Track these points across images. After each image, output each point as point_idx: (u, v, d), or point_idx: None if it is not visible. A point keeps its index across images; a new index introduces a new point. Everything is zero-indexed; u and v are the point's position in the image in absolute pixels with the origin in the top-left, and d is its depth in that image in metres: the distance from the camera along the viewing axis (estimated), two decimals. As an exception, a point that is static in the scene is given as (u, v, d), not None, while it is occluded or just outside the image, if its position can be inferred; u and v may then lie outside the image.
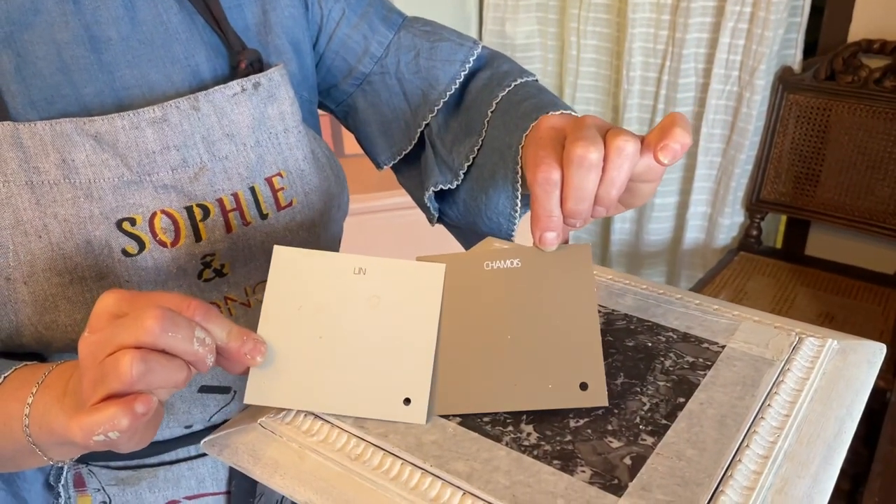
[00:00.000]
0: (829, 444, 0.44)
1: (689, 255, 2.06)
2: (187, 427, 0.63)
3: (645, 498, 0.40)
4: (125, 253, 0.56)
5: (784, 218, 2.00)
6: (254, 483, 0.67)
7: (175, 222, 0.57)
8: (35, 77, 0.54)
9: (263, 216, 0.62)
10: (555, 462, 0.42)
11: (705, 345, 0.51)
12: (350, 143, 1.85)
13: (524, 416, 0.46)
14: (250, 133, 0.61)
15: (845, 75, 1.71)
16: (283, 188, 0.63)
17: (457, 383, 0.47)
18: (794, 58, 1.78)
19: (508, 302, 0.48)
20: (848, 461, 1.68)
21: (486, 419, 0.46)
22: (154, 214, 0.56)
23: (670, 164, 0.46)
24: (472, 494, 0.41)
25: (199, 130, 0.58)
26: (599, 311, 0.55)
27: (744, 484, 0.41)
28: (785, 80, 1.78)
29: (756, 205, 1.90)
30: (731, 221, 1.96)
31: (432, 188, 0.69)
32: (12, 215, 0.52)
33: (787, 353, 0.50)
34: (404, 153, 0.74)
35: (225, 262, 0.61)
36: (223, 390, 0.62)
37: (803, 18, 1.75)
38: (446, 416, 0.46)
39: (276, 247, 0.49)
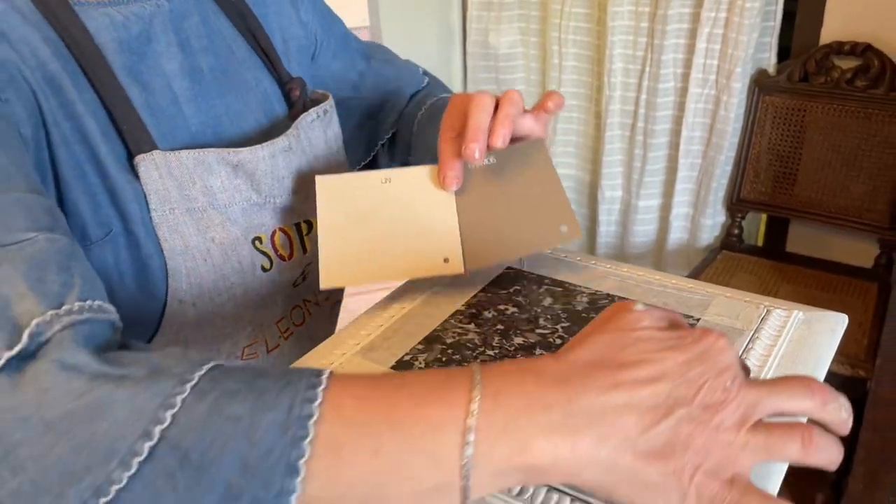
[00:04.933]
0: (794, 403, 0.48)
1: (673, 256, 2.11)
2: None
3: (627, 451, 0.44)
4: (262, 269, 0.60)
5: (764, 216, 2.05)
6: None
7: (289, 238, 0.63)
8: (158, 110, 0.56)
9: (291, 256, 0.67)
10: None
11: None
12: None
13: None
14: (324, 154, 0.66)
15: (818, 76, 1.77)
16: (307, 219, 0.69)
17: (476, 242, 0.59)
18: (769, 61, 1.84)
19: (492, 183, 0.61)
20: (832, 450, 1.72)
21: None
22: (274, 233, 0.61)
23: (551, 112, 0.62)
24: None
25: (312, 149, 0.64)
26: (583, 292, 0.60)
27: (717, 437, 0.45)
28: (760, 83, 1.84)
29: (737, 204, 1.95)
30: (713, 221, 2.01)
31: None
32: (181, 241, 0.55)
33: (756, 323, 0.54)
34: (361, 164, 0.82)
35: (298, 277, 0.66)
36: None
37: (776, 22, 1.81)
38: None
39: (317, 177, 0.60)
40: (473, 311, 0.58)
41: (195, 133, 0.58)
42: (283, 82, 0.66)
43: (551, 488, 0.40)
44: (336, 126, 0.68)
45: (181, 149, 0.55)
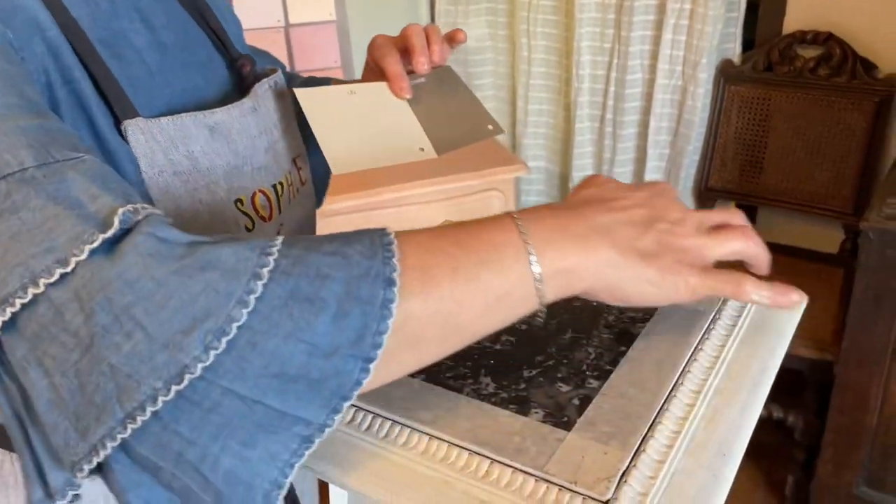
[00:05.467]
0: (754, 380, 0.49)
1: (644, 245, 2.12)
2: None
3: (591, 431, 0.44)
4: (246, 228, 0.61)
5: (732, 204, 2.08)
6: None
7: (268, 200, 0.63)
8: (135, 80, 0.57)
9: (302, 183, 0.70)
10: (511, 406, 0.47)
11: (644, 301, 0.56)
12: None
13: (483, 370, 0.50)
14: (279, 122, 0.67)
15: (782, 66, 1.80)
16: (301, 167, 0.70)
17: (435, 137, 0.68)
18: (734, 51, 1.87)
19: (429, 95, 0.69)
20: (801, 433, 1.75)
21: (448, 374, 0.50)
22: (254, 194, 0.62)
23: (459, 43, 0.74)
24: (437, 438, 0.45)
25: (271, 115, 0.65)
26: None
27: (678, 415, 0.46)
28: (726, 73, 1.86)
29: (705, 193, 1.97)
30: (683, 210, 2.03)
31: None
32: (172, 203, 0.56)
33: (717, 305, 0.55)
34: None
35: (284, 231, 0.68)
36: None
37: (740, 13, 1.83)
38: (412, 375, 0.50)
39: (296, 90, 0.64)
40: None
41: (170, 103, 0.59)
42: (234, 59, 0.68)
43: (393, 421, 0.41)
44: (287, 98, 0.69)
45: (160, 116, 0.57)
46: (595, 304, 0.56)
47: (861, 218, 1.41)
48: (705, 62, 1.81)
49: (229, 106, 0.60)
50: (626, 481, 0.41)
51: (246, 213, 0.62)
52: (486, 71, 2.24)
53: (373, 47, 0.71)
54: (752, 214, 2.02)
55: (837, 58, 1.71)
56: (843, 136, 1.75)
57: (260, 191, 0.63)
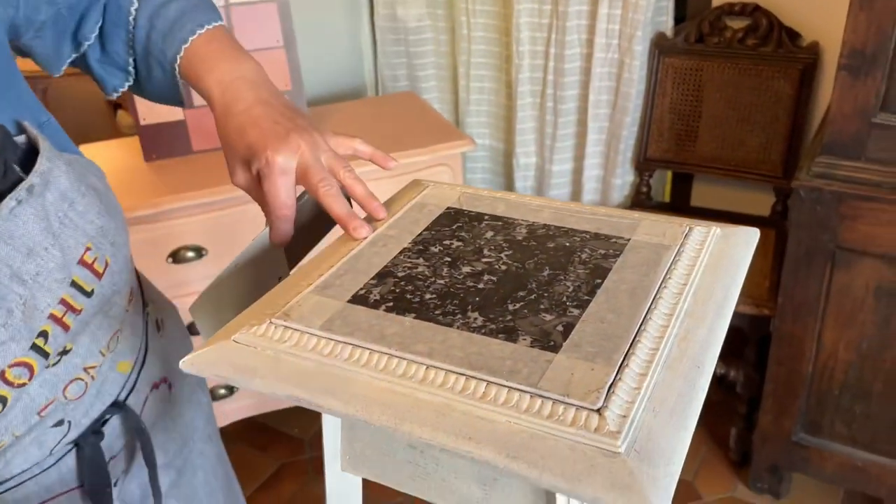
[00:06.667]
0: (719, 304, 0.54)
1: (587, 217, 2.19)
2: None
3: (577, 351, 0.48)
4: None
5: (669, 173, 2.16)
6: (107, 472, 0.67)
7: (27, 364, 0.55)
8: None
9: (89, 294, 0.60)
10: (500, 336, 0.50)
11: (613, 239, 0.60)
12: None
13: (469, 306, 0.53)
14: (46, 235, 0.56)
15: (712, 37, 1.87)
16: (95, 258, 0.61)
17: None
18: (667, 24, 1.94)
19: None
20: (743, 386, 1.84)
21: (437, 312, 0.53)
22: (3, 372, 0.53)
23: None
24: (434, 367, 0.48)
25: (6, 275, 0.53)
26: (521, 224, 0.63)
27: (655, 334, 0.49)
28: (660, 45, 1.93)
29: (644, 163, 2.04)
30: (623, 181, 2.10)
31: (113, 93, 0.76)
32: None
33: (681, 239, 0.59)
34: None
35: (68, 346, 0.59)
36: (60, 423, 0.63)
37: (672, -13, 1.90)
38: (402, 313, 0.53)
39: (194, 315, 0.61)
40: (420, 247, 0.61)
41: None
42: None
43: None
44: (62, 177, 0.58)
45: None
46: (567, 244, 0.60)
47: (790, 180, 1.49)
48: (640, 35, 1.87)
49: None
50: (613, 392, 0.44)
51: None
52: (427, 51, 2.26)
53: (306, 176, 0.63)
54: (688, 183, 2.10)
55: (764, 28, 1.80)
56: (771, 104, 1.84)
57: (12, 365, 0.53)
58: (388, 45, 2.26)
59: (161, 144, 1.75)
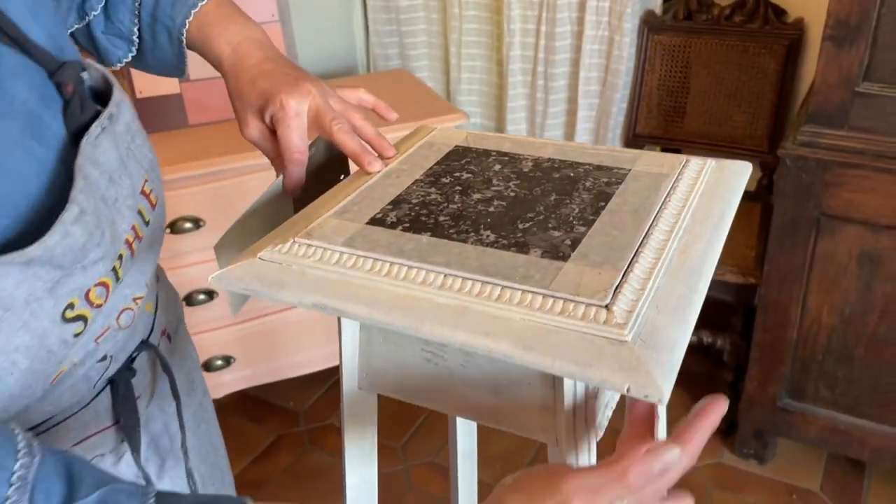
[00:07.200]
0: (715, 224, 0.57)
1: (577, 193, 2.22)
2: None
3: (585, 260, 0.51)
4: (75, 335, 0.55)
5: (658, 149, 2.20)
6: (136, 409, 0.69)
7: (106, 286, 0.57)
8: None
9: (147, 224, 0.63)
10: (512, 249, 0.53)
11: (615, 170, 0.63)
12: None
13: (482, 225, 0.56)
14: (119, 163, 0.59)
15: (700, 14, 1.91)
16: (151, 189, 0.63)
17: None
18: (656, 1, 1.97)
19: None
20: (730, 355, 1.88)
21: (451, 230, 0.56)
22: (88, 291, 0.55)
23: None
24: (451, 275, 0.51)
25: (99, 197, 0.55)
26: (527, 158, 0.67)
27: (656, 247, 0.53)
28: (649, 23, 1.96)
29: (633, 139, 2.08)
30: (613, 157, 2.13)
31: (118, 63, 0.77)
32: None
33: (679, 168, 0.63)
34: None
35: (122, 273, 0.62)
36: (103, 358, 0.65)
37: (660, -35, 1.94)
38: (418, 232, 0.56)
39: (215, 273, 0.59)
40: (432, 178, 0.64)
41: None
42: (51, 73, 0.55)
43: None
44: (127, 111, 0.61)
45: None
46: (572, 174, 0.63)
47: (776, 155, 1.53)
48: (629, 12, 1.91)
49: (45, 238, 0.50)
50: (620, 292, 0.48)
51: (78, 317, 0.54)
52: (419, 30, 2.29)
53: (320, 115, 0.66)
54: (676, 159, 2.14)
55: (750, 5, 1.84)
56: (756, 80, 1.88)
57: (96, 284, 0.56)
58: (380, 24, 2.28)
59: (157, 118, 1.77)
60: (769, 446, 1.80)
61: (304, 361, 1.94)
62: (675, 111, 2.01)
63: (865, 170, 1.43)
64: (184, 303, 1.65)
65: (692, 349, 2.16)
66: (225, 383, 1.88)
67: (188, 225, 1.68)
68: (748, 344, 1.74)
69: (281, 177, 0.68)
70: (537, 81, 2.13)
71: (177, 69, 0.78)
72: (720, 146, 1.98)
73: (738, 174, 0.64)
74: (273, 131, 0.68)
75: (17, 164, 0.51)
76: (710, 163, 0.64)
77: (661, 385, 0.42)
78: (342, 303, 0.51)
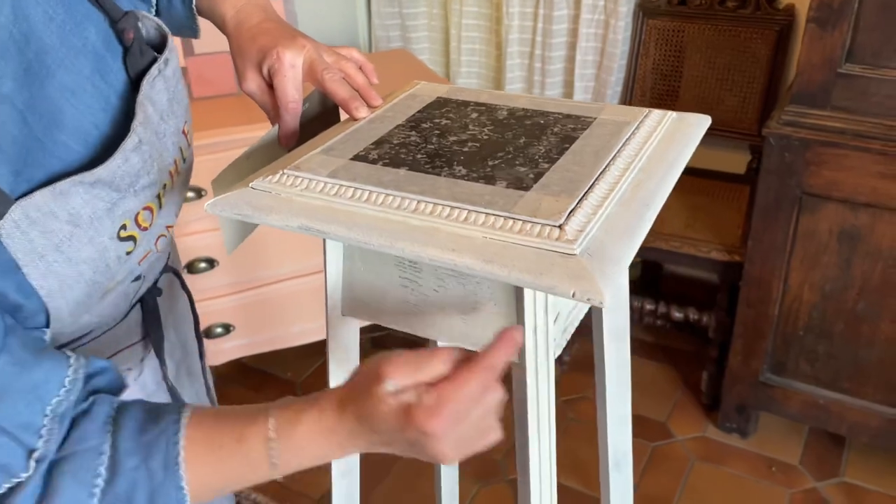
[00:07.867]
0: (669, 165, 0.62)
1: (572, 175, 2.27)
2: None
3: (545, 190, 0.56)
4: (127, 253, 0.62)
5: (651, 133, 2.24)
6: (161, 324, 0.78)
7: (151, 211, 0.64)
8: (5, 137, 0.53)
9: (185, 160, 0.70)
10: (480, 181, 0.58)
11: (583, 118, 0.69)
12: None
13: (455, 162, 0.62)
14: (168, 103, 0.65)
15: (694, -1, 1.96)
16: (189, 130, 0.70)
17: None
18: (651, -13, 2.02)
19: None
20: (714, 331, 1.93)
21: (427, 165, 0.61)
22: (137, 214, 0.62)
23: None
24: (424, 201, 0.56)
25: (153, 131, 0.62)
26: (503, 108, 0.72)
27: (611, 181, 0.58)
28: (644, 7, 2.01)
29: (627, 122, 2.13)
30: (607, 140, 2.18)
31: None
32: (56, 280, 0.56)
33: (640, 118, 0.68)
34: None
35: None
36: (138, 278, 0.72)
37: (656, -49, 1.98)
38: (396, 166, 0.61)
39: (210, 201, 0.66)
40: (413, 123, 0.69)
41: (41, 140, 0.55)
42: (115, 21, 0.61)
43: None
44: (174, 63, 0.66)
45: (37, 185, 0.54)
46: (542, 122, 0.69)
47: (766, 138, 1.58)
48: (625, -3, 1.95)
49: (109, 161, 0.57)
50: (573, 215, 0.53)
51: (129, 237, 0.62)
52: (420, 12, 2.34)
53: (313, 65, 0.71)
54: (669, 142, 2.19)
55: (743, -10, 1.88)
56: (748, 64, 1.93)
57: (144, 208, 0.63)
58: (383, 5, 2.33)
59: (163, 90, 1.82)
60: (751, 420, 1.85)
61: (302, 332, 2.00)
62: (669, 94, 2.06)
63: (845, 149, 1.47)
64: (185, 269, 1.71)
65: (678, 326, 2.21)
66: (224, 350, 1.93)
67: (190, 194, 1.73)
68: (733, 321, 1.78)
69: (276, 126, 0.73)
70: (535, 64, 2.18)
71: (190, 30, 0.84)
72: (711, 129, 2.01)
73: (696, 125, 0.69)
74: (270, 85, 0.73)
75: (90, 98, 0.58)
76: (671, 114, 0.69)
77: (602, 290, 0.47)
78: (325, 225, 0.57)
